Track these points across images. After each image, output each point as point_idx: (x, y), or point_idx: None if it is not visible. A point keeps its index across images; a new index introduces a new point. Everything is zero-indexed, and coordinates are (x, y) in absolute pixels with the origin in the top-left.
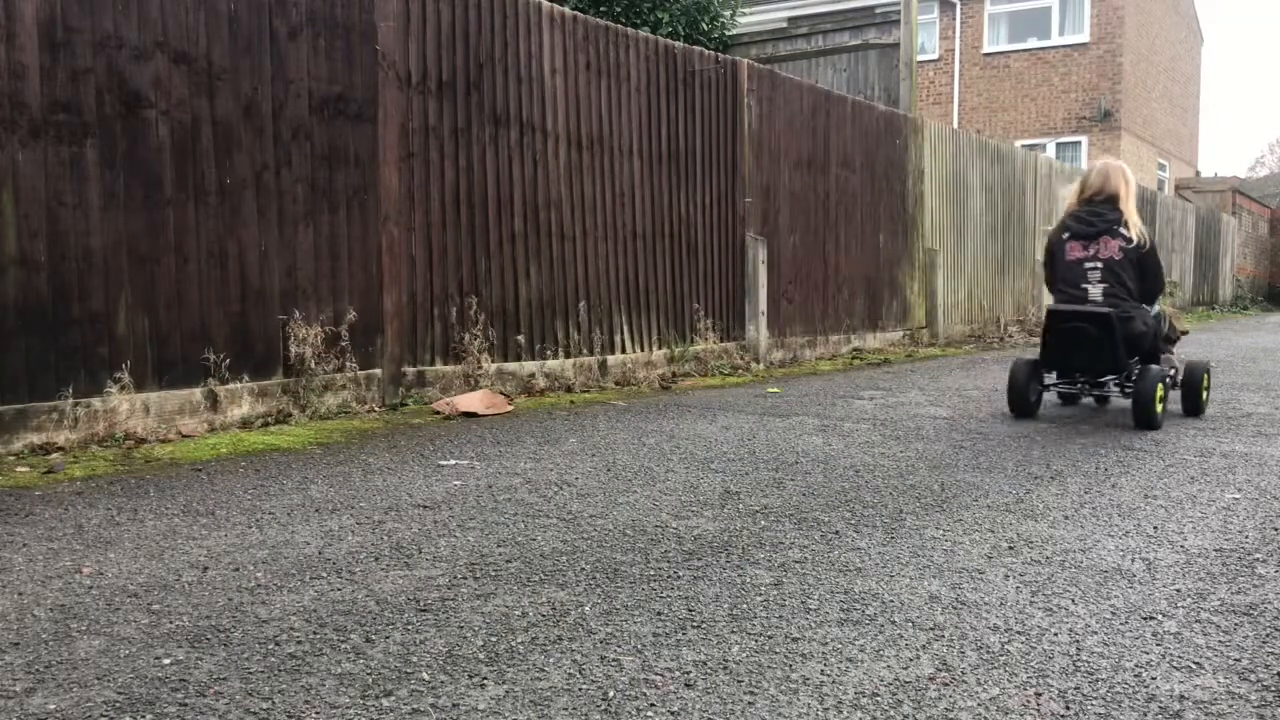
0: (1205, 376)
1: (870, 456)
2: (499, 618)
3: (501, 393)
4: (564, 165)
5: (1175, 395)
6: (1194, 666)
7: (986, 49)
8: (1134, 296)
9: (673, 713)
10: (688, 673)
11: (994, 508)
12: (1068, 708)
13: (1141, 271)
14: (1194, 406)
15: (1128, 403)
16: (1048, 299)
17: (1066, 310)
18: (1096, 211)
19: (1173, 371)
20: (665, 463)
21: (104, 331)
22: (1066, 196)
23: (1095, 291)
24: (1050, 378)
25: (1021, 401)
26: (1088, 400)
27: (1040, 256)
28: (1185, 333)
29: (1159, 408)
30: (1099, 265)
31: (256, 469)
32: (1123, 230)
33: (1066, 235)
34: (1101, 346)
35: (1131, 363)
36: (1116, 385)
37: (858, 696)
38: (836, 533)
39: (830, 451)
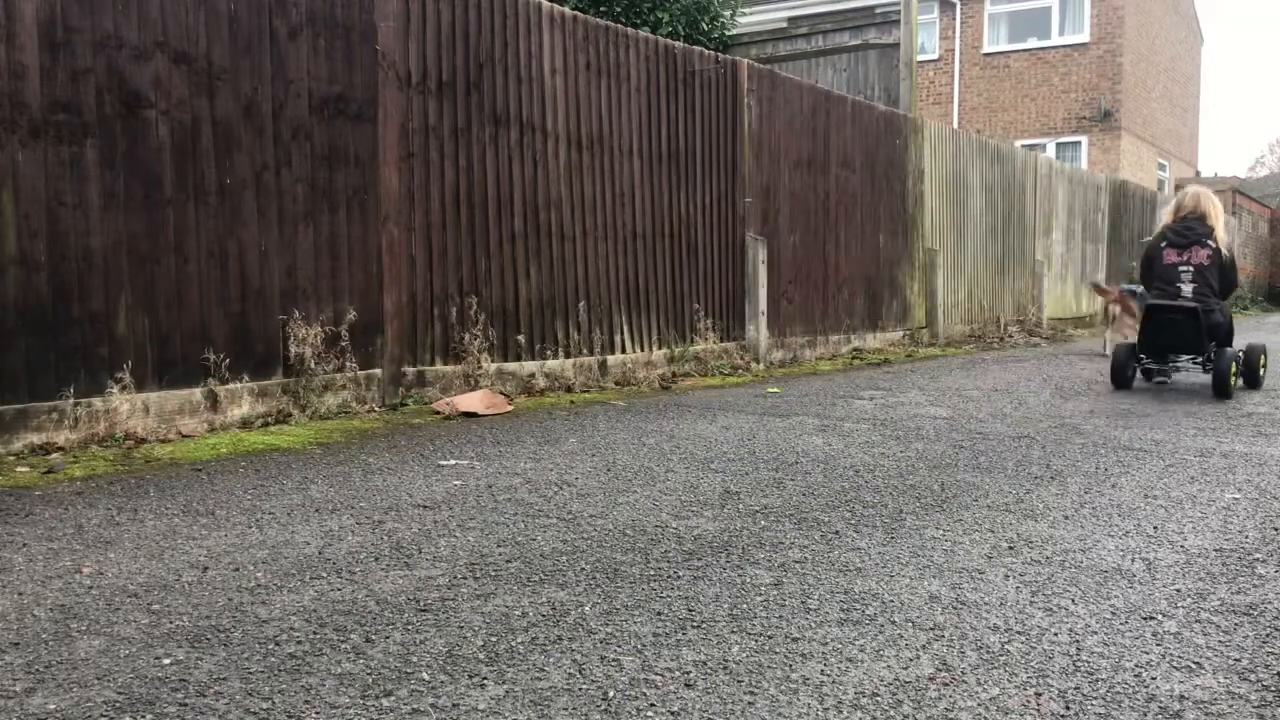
0: (1263, 356)
1: (870, 456)
2: (499, 618)
3: (501, 393)
4: (564, 165)
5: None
6: (1194, 666)
7: (986, 49)
8: (1216, 294)
9: (673, 713)
10: (688, 673)
11: (994, 508)
12: (1068, 708)
13: (1222, 275)
14: (1253, 380)
15: (1205, 378)
16: (1047, 299)
17: (1164, 304)
18: (1189, 226)
19: (1241, 354)
20: (665, 463)
21: (104, 331)
22: (1164, 216)
23: (1186, 290)
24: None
25: (1122, 376)
26: (1160, 378)
27: (1040, 256)
28: None
29: (1232, 381)
30: (1190, 269)
31: (256, 469)
32: (1210, 242)
33: (1164, 244)
34: (1189, 333)
35: (1210, 346)
36: (1197, 364)
37: (858, 696)
38: (836, 533)
39: (830, 451)
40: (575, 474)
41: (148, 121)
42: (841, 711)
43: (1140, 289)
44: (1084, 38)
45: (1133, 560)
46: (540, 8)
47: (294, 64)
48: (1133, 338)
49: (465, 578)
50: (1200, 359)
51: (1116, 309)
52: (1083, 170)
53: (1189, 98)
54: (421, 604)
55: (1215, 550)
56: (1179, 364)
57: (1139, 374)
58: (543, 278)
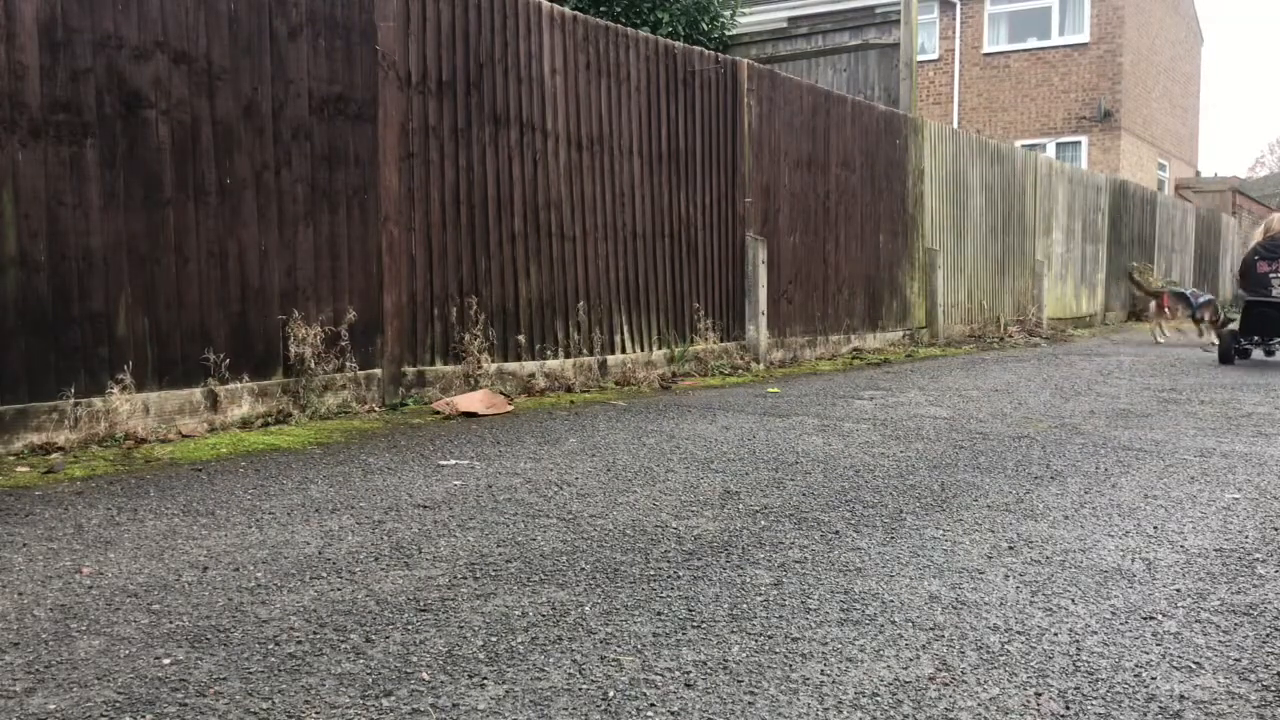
0: None
1: (870, 456)
2: (499, 618)
3: (501, 393)
4: (564, 165)
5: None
6: (1194, 666)
7: (986, 49)
8: None
9: (673, 713)
10: (688, 673)
11: (994, 508)
12: (1068, 708)
13: None
14: None
15: None
16: (1047, 299)
17: (1259, 300)
18: (1278, 244)
19: None
20: (665, 463)
21: (104, 331)
22: (1257, 235)
23: (1275, 291)
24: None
25: (1227, 355)
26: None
27: (1040, 256)
28: (1230, 319)
29: None
30: (1279, 275)
31: (256, 469)
32: None
33: (1257, 257)
34: (1278, 322)
35: None
36: None
37: (858, 696)
38: (836, 533)
39: (830, 451)
40: (575, 474)
41: (148, 121)
42: (841, 711)
43: (1188, 290)
44: (1084, 38)
45: (1133, 560)
46: (540, 8)
47: (294, 64)
48: (1169, 332)
49: (465, 578)
50: None
51: (1153, 304)
52: (1083, 170)
53: (1189, 98)
54: (421, 604)
55: (1215, 550)
56: (1268, 345)
57: (1238, 354)
58: (543, 277)
